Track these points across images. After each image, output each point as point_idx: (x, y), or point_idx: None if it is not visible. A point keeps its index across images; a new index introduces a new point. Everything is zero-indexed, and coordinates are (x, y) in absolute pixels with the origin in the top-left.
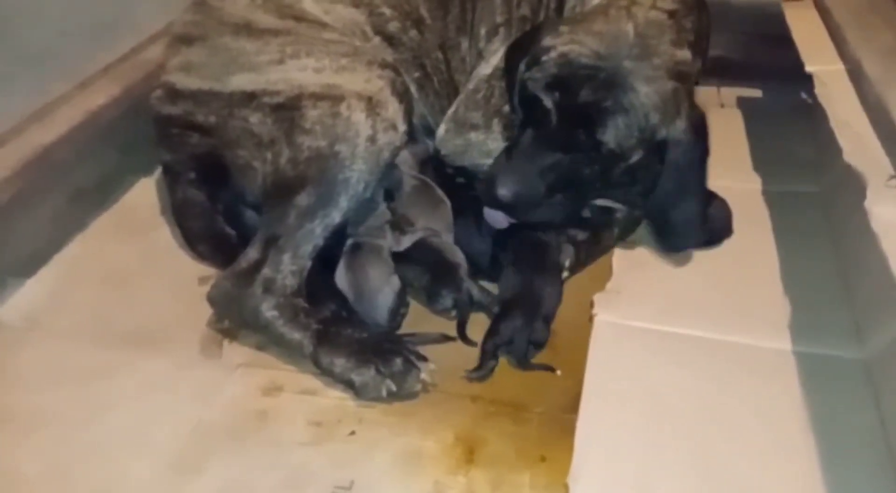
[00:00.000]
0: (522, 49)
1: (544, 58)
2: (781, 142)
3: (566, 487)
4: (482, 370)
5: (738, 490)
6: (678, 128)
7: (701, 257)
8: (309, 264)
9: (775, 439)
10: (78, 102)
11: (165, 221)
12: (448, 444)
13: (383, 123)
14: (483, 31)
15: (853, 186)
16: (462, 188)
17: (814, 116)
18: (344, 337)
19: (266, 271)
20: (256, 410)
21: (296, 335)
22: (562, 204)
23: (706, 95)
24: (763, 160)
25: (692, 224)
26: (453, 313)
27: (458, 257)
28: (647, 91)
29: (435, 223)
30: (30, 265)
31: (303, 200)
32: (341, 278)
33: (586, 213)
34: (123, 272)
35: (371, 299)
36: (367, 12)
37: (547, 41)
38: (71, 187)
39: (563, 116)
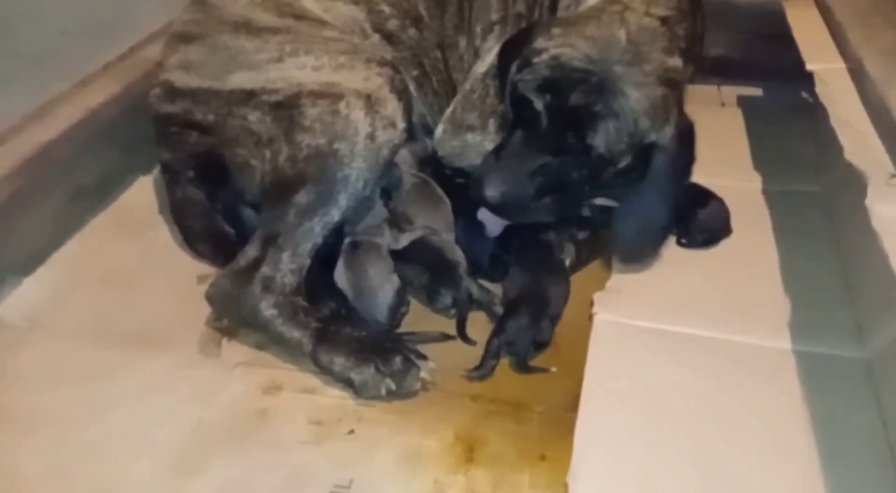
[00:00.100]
0: (515, 48)
1: (536, 60)
2: (782, 141)
3: (566, 486)
4: (483, 369)
5: (738, 489)
6: (666, 134)
7: (701, 256)
8: (308, 262)
9: (776, 438)
10: (77, 101)
11: (164, 219)
12: (448, 443)
13: (382, 121)
14: (479, 29)
15: (854, 184)
16: (462, 188)
17: (814, 114)
18: (343, 336)
19: (265, 270)
20: (256, 409)
21: (295, 334)
22: (550, 206)
23: (706, 93)
24: (763, 159)
25: (656, 234)
26: (453, 311)
27: (458, 255)
28: (637, 96)
29: (435, 222)
30: (29, 264)
31: (302, 198)
32: (340, 276)
33: (586, 212)
34: (122, 271)
35: (371, 298)
36: (367, 9)
37: (539, 43)
38: (70, 186)
39: (553, 118)
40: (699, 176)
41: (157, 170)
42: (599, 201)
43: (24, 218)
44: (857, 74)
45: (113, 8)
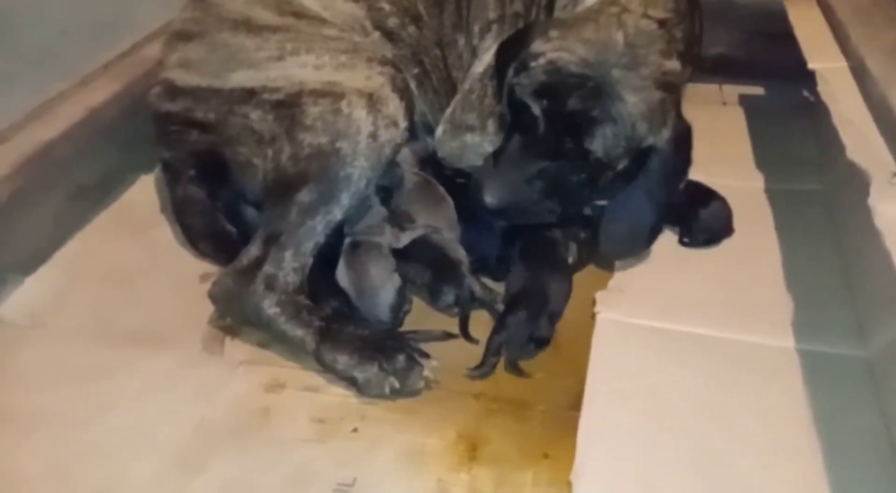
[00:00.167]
0: (512, 49)
1: (533, 64)
2: (784, 140)
3: (569, 484)
4: (484, 367)
5: (740, 488)
6: (663, 137)
7: (703, 255)
8: (310, 261)
9: (778, 437)
10: (78, 100)
11: (166, 218)
12: (451, 441)
13: (384, 120)
14: (477, 28)
15: (856, 183)
16: (462, 188)
17: (816, 113)
18: (346, 334)
19: (268, 269)
20: (259, 407)
21: (298, 332)
22: (550, 210)
23: (708, 92)
24: (765, 158)
25: (641, 234)
26: (455, 309)
27: (460, 253)
28: (634, 101)
29: (437, 220)
30: (30, 263)
31: (304, 196)
32: (342, 275)
33: (588, 211)
34: (124, 270)
35: (373, 296)
36: (367, 7)
37: (536, 46)
38: (71, 185)
39: (550, 123)
40: (701, 175)
41: (158, 169)
42: (602, 202)
43: (25, 217)
44: (859, 73)
45: (113, 7)
